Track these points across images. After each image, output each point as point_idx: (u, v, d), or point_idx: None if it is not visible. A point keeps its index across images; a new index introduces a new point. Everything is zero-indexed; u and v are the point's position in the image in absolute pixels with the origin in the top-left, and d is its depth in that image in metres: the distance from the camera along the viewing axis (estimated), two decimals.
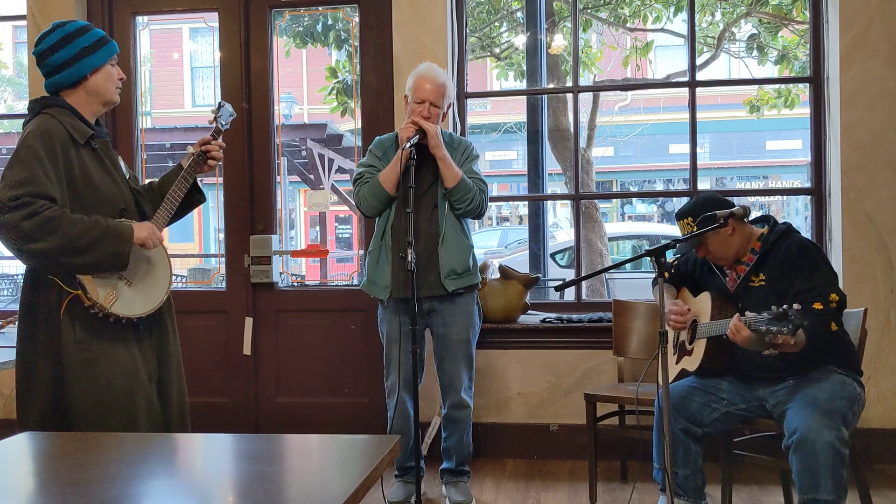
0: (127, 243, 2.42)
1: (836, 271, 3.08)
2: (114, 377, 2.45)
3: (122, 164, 2.67)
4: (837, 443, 2.58)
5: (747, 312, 2.68)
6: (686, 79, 4.41)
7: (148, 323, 2.58)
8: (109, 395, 2.44)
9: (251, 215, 4.45)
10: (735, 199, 3.05)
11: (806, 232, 4.14)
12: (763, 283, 2.92)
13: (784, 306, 2.52)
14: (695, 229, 2.92)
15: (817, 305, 2.72)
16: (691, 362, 3.06)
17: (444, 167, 3.38)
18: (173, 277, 2.70)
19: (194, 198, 2.79)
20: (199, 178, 2.78)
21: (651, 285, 3.47)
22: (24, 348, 2.47)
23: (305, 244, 13.07)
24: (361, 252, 4.54)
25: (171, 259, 2.69)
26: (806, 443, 2.60)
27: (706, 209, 2.94)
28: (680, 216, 3.04)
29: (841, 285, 3.83)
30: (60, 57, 2.50)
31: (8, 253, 2.45)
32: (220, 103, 2.85)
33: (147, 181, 2.85)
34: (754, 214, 3.05)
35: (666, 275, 3.21)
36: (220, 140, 2.76)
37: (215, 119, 2.79)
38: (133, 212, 2.57)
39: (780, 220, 3.07)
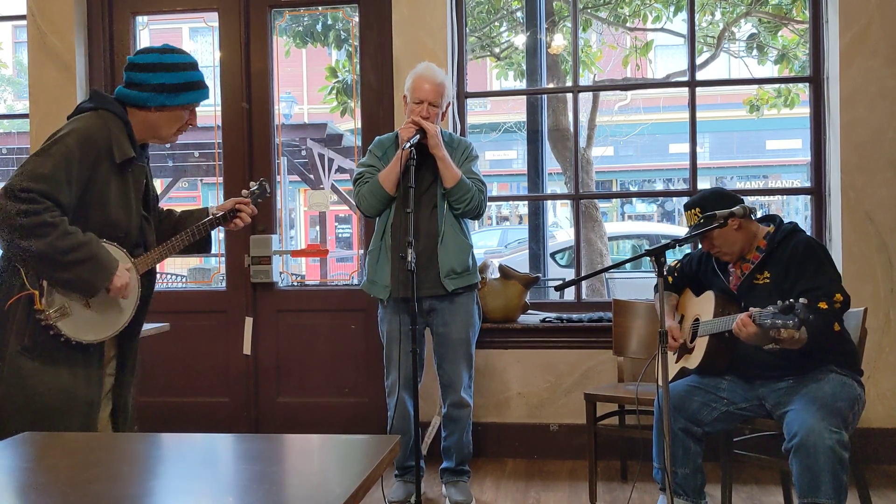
0: (105, 280, 2.33)
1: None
2: (45, 393, 2.35)
3: (147, 185, 2.58)
4: (838, 446, 2.58)
5: (752, 308, 2.68)
6: (686, 78, 4.42)
7: (100, 351, 2.48)
8: (39, 410, 2.34)
9: None
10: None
11: (806, 232, 4.14)
12: (767, 280, 2.93)
13: (790, 300, 2.52)
14: (701, 220, 2.93)
15: (822, 305, 2.72)
16: (692, 360, 3.06)
17: (443, 167, 3.39)
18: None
19: (206, 242, 2.77)
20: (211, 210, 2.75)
21: (653, 291, 3.47)
22: None
23: (305, 244, 13.07)
24: (361, 252, 4.54)
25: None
26: (806, 446, 2.60)
27: (714, 202, 2.96)
28: (688, 207, 3.05)
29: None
30: (141, 78, 2.45)
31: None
32: (262, 180, 2.87)
33: (167, 208, 2.81)
34: (756, 214, 3.06)
35: (670, 279, 3.22)
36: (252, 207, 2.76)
37: (251, 194, 2.80)
38: (131, 243, 2.49)
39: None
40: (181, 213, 2.76)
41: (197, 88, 2.52)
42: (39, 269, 2.30)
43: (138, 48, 4.60)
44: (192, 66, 2.53)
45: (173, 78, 2.46)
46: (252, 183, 2.88)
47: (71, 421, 2.39)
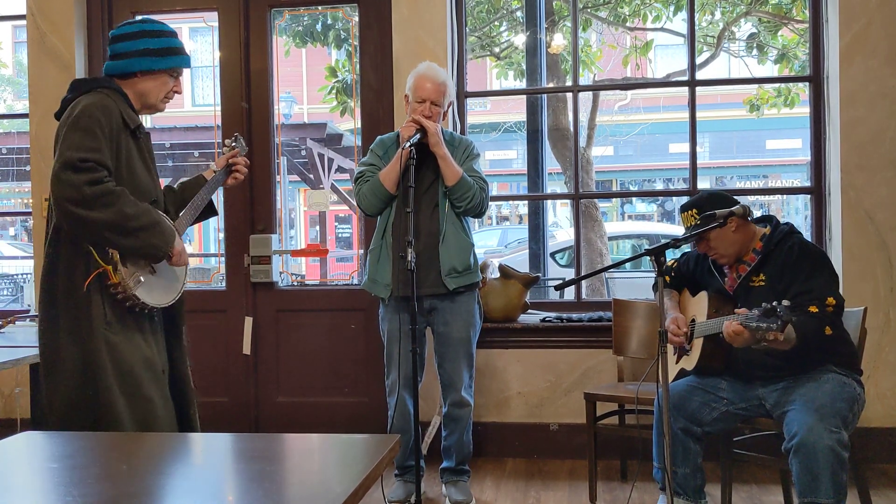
0: (168, 244, 2.44)
1: (837, 271, 3.07)
2: (135, 364, 2.44)
3: None
4: (837, 446, 2.58)
5: (737, 311, 2.68)
6: (686, 78, 4.41)
7: (161, 318, 2.60)
8: (132, 382, 2.43)
9: (251, 215, 4.45)
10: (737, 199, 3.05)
11: (806, 231, 4.15)
12: (763, 283, 2.93)
13: (774, 303, 2.52)
14: (698, 222, 2.93)
15: (812, 309, 2.71)
16: (689, 361, 3.06)
17: (444, 165, 3.39)
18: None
19: (208, 211, 2.85)
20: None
21: (652, 290, 3.47)
22: (46, 337, 2.44)
23: (305, 244, 13.08)
24: (361, 251, 4.54)
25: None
26: (805, 446, 2.60)
27: (711, 204, 2.95)
28: (685, 208, 3.05)
29: (841, 284, 3.83)
30: (125, 47, 2.53)
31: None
32: (235, 135, 2.92)
33: (164, 184, 2.86)
34: (755, 214, 3.06)
35: (667, 279, 3.22)
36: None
37: (232, 149, 2.85)
38: (160, 205, 2.59)
39: (781, 220, 3.07)
40: (180, 185, 2.84)
41: (179, 54, 2.58)
42: (107, 239, 2.35)
43: None
44: (173, 33, 2.60)
45: (156, 43, 2.53)
46: (227, 140, 2.92)
47: (153, 388, 2.49)
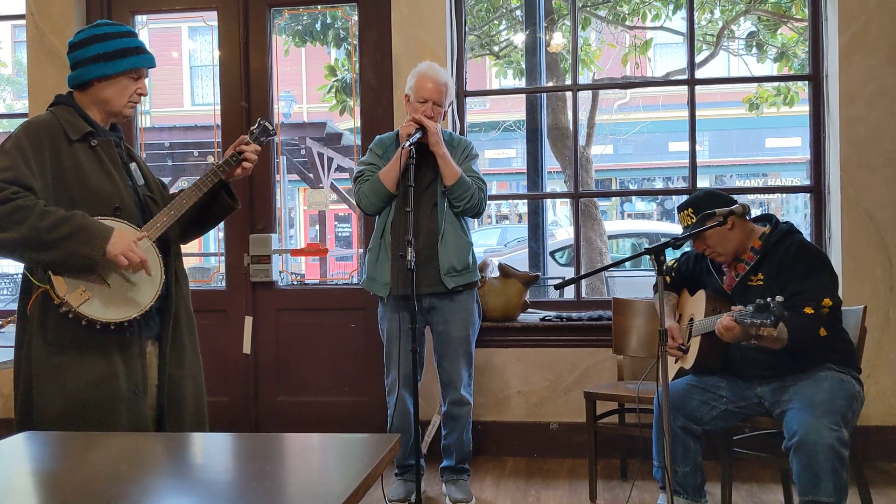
0: (96, 247, 2.24)
1: (836, 271, 3.06)
2: (84, 387, 2.29)
3: (139, 168, 2.55)
4: (837, 444, 2.58)
5: (733, 308, 2.69)
6: (685, 76, 4.41)
7: (144, 330, 2.43)
8: (76, 405, 2.29)
9: (251, 214, 4.45)
10: (734, 197, 3.06)
11: (805, 229, 4.15)
12: (761, 282, 2.92)
13: (767, 298, 2.52)
14: (695, 220, 2.93)
15: (808, 310, 2.71)
16: (687, 360, 3.06)
17: (443, 165, 3.39)
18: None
19: (225, 205, 2.66)
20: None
21: (652, 290, 3.47)
22: (16, 347, 2.39)
23: (305, 243, 13.09)
24: (361, 251, 4.54)
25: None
26: (806, 445, 2.60)
27: (707, 203, 2.95)
28: (681, 208, 3.05)
29: (840, 283, 3.84)
30: (77, 56, 2.45)
31: None
32: (260, 120, 2.72)
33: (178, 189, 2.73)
34: (754, 213, 3.05)
35: (667, 279, 3.22)
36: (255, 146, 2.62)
37: (251, 133, 2.66)
38: (130, 212, 2.41)
39: (781, 219, 3.07)
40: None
41: (134, 54, 2.46)
42: (29, 258, 2.26)
43: None
44: (128, 34, 2.48)
45: (107, 47, 2.43)
46: (254, 127, 2.74)
47: (117, 413, 2.32)
